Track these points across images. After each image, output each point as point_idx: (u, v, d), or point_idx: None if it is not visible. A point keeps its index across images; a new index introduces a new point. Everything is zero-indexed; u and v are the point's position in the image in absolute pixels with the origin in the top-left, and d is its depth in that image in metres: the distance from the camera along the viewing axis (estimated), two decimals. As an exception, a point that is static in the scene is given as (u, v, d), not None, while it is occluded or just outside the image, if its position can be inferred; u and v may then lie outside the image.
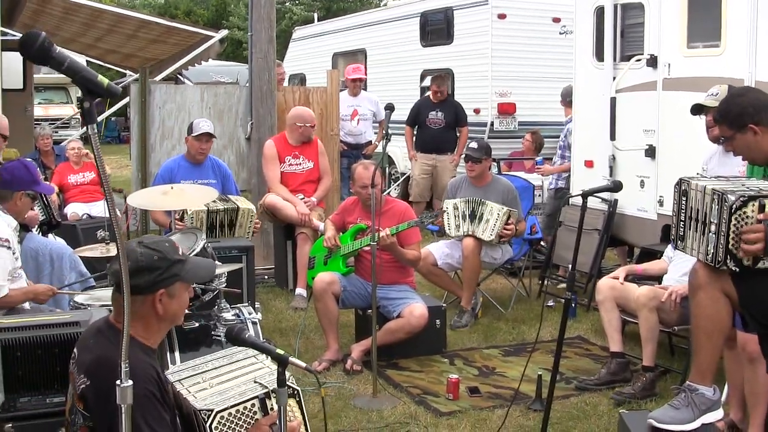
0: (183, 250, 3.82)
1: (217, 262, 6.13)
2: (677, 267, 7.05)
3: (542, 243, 10.41)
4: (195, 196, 7.22)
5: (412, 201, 13.28)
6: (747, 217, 4.31)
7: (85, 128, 21.84)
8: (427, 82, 14.77)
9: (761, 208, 4.33)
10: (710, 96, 6.48)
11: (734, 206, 4.30)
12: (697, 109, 6.73)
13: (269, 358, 3.96)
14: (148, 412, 3.40)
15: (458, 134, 13.13)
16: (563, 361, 7.54)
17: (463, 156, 9.36)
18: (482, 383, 7.16)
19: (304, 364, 3.78)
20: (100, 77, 2.67)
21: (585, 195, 5.53)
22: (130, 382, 3.00)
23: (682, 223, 4.71)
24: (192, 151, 8.97)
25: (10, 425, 4.75)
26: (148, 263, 3.60)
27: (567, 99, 11.11)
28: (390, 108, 7.21)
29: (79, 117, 26.99)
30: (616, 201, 9.31)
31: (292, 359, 3.69)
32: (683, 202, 4.69)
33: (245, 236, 8.39)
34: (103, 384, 3.18)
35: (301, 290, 9.37)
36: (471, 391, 6.94)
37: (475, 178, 9.08)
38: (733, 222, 4.32)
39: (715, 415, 4.79)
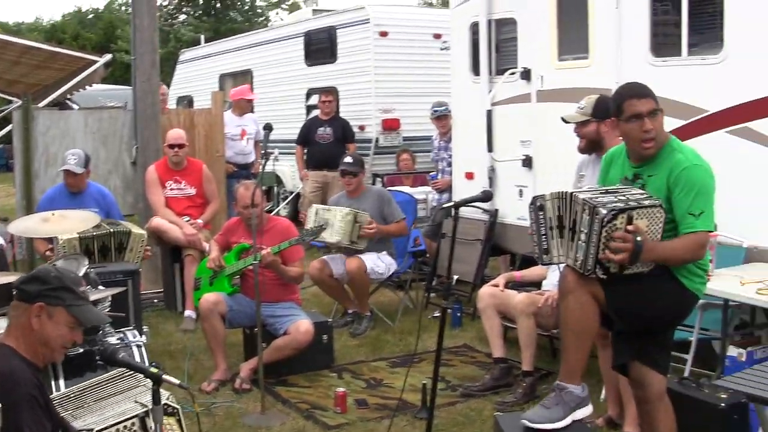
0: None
1: (100, 286, 6.18)
2: (555, 272, 7.22)
3: (427, 255, 10.56)
4: (77, 222, 7.19)
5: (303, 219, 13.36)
6: (616, 228, 4.52)
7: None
8: (313, 100, 14.88)
9: (629, 220, 4.55)
10: (578, 109, 6.63)
11: (605, 219, 4.49)
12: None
13: (144, 376, 4.01)
14: (29, 416, 3.44)
15: (347, 151, 13.26)
16: (450, 369, 7.76)
17: (339, 171, 9.49)
18: (370, 395, 7.27)
19: (177, 381, 3.84)
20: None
21: (456, 206, 5.70)
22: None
23: (544, 236, 4.90)
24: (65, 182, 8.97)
25: None
26: (43, 275, 3.75)
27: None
28: (268, 128, 7.29)
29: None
30: (496, 211, 9.51)
31: (165, 377, 3.76)
32: (541, 217, 4.89)
33: (134, 261, 8.36)
34: None
35: (189, 312, 9.37)
36: (359, 403, 7.04)
37: (352, 191, 9.31)
38: (603, 234, 4.51)
39: (585, 412, 4.97)
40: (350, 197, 9.34)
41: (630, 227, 4.55)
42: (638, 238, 4.54)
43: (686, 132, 7.30)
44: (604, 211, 4.50)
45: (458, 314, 9.22)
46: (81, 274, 5.85)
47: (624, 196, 4.71)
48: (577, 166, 6.83)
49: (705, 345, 7.02)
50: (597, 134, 6.41)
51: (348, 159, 9.43)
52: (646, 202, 4.67)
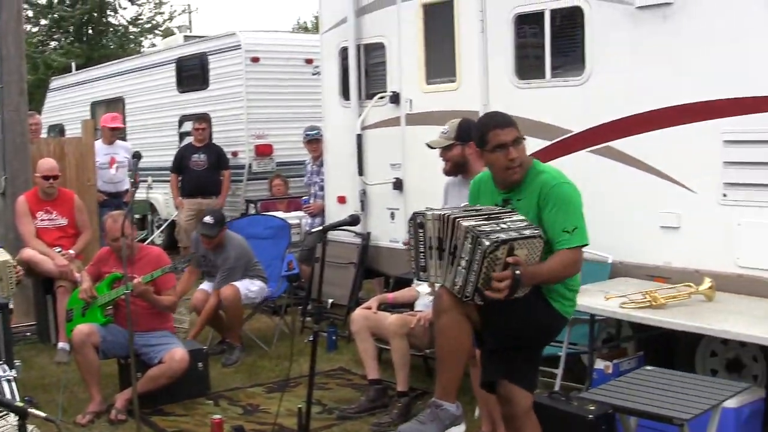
0: None
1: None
2: (427, 293, 7.34)
3: (302, 279, 10.60)
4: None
5: (180, 246, 13.31)
6: (497, 259, 4.57)
7: None
8: (186, 127, 14.83)
9: (510, 251, 4.62)
10: (442, 134, 6.73)
11: (488, 250, 4.55)
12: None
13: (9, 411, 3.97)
14: None
15: (221, 177, 13.25)
16: (326, 392, 7.80)
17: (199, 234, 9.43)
18: (247, 421, 7.24)
19: (44, 414, 3.82)
20: None
21: (325, 230, 5.78)
22: None
23: (422, 254, 4.95)
24: None
25: None
26: None
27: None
28: (137, 156, 7.24)
29: None
30: (369, 234, 9.60)
31: (31, 410, 3.73)
32: (421, 235, 4.93)
33: (9, 289, 8.20)
34: None
35: (63, 344, 9.21)
36: (236, 430, 7.00)
37: (211, 249, 9.36)
38: (485, 264, 4.56)
39: (459, 429, 5.05)
40: (212, 251, 9.39)
41: (510, 259, 4.61)
42: (517, 272, 4.61)
43: (551, 152, 7.50)
44: (487, 243, 4.53)
45: (333, 337, 9.28)
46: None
47: (506, 224, 4.75)
48: (444, 188, 6.94)
49: (574, 359, 7.21)
50: (462, 157, 6.51)
51: (207, 219, 9.29)
52: (527, 232, 4.72)
